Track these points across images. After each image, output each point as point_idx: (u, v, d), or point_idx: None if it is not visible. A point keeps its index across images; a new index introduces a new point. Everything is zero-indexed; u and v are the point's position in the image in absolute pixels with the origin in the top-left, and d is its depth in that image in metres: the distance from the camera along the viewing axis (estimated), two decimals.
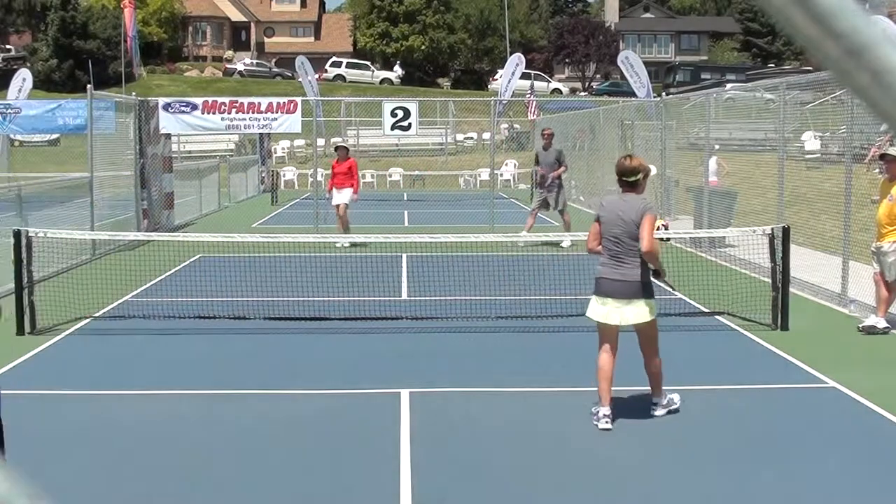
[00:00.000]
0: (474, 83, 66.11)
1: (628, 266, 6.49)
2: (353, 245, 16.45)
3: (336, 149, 18.85)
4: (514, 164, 38.48)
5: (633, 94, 29.16)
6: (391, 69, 65.05)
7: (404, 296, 12.30)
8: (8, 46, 63.32)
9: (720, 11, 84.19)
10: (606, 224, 6.60)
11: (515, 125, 43.87)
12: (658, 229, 16.57)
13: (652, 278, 6.64)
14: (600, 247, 6.68)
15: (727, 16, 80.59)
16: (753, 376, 7.97)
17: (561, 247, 16.53)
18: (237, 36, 76.02)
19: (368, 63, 65.16)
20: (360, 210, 25.60)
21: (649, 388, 6.86)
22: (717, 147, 18.00)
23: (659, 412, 6.84)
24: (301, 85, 41.18)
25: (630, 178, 6.60)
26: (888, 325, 9.74)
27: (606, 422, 6.52)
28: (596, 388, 6.62)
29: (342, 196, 17.69)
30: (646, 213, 6.49)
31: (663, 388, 6.87)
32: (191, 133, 29.47)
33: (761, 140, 19.96)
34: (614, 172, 6.80)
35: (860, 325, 9.90)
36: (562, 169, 17.65)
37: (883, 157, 10.09)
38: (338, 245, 16.50)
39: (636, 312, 6.48)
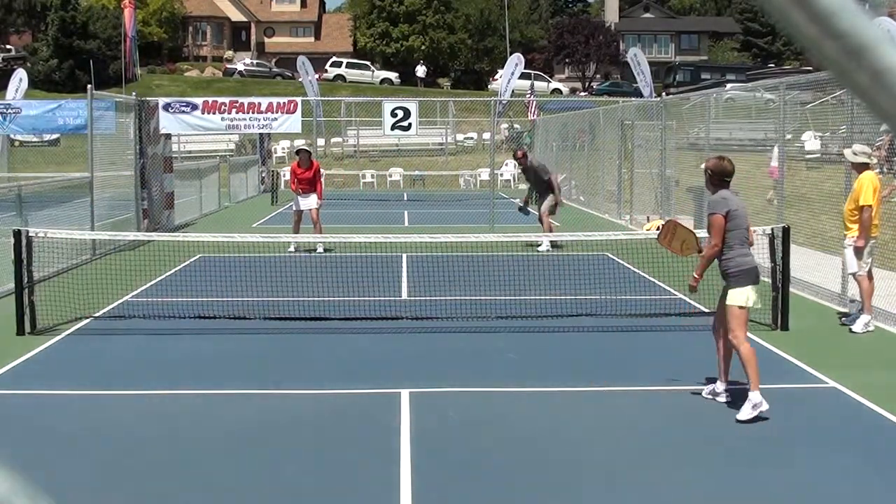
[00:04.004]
0: (474, 83, 66.10)
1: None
2: (327, 250, 16.20)
3: (297, 152, 16.79)
4: (514, 165, 38.39)
5: (632, 94, 29.15)
6: (393, 69, 65.01)
7: (404, 296, 12.29)
8: (8, 46, 63.30)
9: (720, 11, 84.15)
10: (740, 219, 7.15)
11: (516, 125, 43.86)
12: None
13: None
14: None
15: (727, 16, 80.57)
16: None
17: (537, 250, 16.38)
18: (237, 36, 76.03)
19: (368, 63, 65.17)
20: (361, 210, 25.66)
21: (721, 370, 7.26)
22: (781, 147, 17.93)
23: (722, 398, 7.25)
24: (301, 85, 41.21)
25: (730, 178, 7.29)
26: (857, 313, 9.80)
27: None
28: (592, 389, 6.61)
29: (310, 201, 16.29)
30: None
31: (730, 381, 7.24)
32: (191, 133, 29.47)
33: (761, 140, 19.93)
34: (715, 173, 7.24)
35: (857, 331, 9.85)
36: (555, 175, 17.60)
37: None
38: (318, 250, 16.13)
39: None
